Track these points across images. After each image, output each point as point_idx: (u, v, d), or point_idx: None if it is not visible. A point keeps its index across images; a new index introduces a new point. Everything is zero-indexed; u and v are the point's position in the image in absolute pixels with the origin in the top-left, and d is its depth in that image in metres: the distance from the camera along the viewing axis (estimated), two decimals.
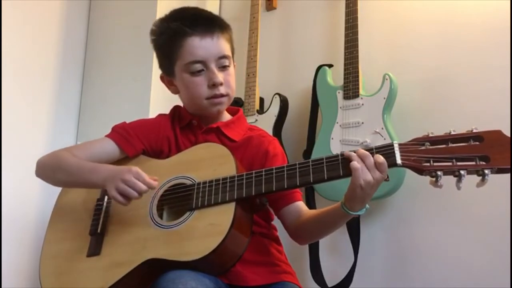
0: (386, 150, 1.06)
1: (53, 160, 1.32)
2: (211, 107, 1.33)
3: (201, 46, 1.29)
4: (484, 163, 0.99)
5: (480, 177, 0.98)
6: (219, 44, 1.31)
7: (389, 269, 2.04)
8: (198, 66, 1.29)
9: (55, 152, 1.35)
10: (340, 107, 2.07)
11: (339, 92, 2.09)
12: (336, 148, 2.04)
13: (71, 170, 1.28)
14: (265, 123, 2.25)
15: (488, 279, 1.81)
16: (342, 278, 2.01)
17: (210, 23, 1.31)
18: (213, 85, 1.30)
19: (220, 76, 1.30)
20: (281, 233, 1.35)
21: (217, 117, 1.39)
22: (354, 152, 1.07)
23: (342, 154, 1.09)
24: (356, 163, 1.05)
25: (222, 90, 1.31)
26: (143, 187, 1.16)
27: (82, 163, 1.28)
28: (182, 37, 1.29)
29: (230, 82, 1.33)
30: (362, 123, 2.00)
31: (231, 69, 1.35)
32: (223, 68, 1.32)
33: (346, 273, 2.01)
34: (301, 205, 1.29)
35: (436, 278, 1.92)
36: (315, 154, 2.09)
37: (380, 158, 1.05)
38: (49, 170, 1.32)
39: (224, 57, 1.32)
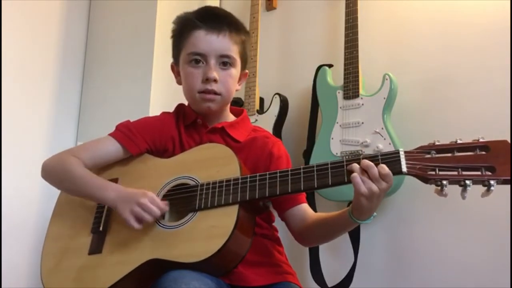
0: (392, 158, 1.05)
1: (60, 168, 1.31)
2: (201, 102, 1.32)
3: (205, 40, 1.30)
4: (490, 173, 0.97)
5: (485, 188, 0.97)
6: (224, 42, 1.31)
7: (389, 269, 2.04)
8: (198, 58, 1.31)
9: (61, 157, 1.33)
10: (340, 107, 2.07)
11: (339, 92, 2.10)
12: (336, 148, 2.04)
13: (78, 183, 1.27)
14: (265, 123, 2.25)
15: (488, 279, 1.82)
16: (342, 278, 2.02)
17: (219, 20, 1.32)
18: (206, 79, 1.30)
19: (216, 73, 1.30)
20: (282, 233, 1.35)
21: (222, 117, 1.39)
22: (359, 161, 1.07)
23: (347, 160, 1.08)
24: (354, 171, 1.05)
25: (214, 86, 1.30)
26: (158, 212, 1.16)
27: (90, 178, 1.27)
28: (191, 28, 1.32)
29: (228, 82, 1.32)
30: (362, 123, 2.01)
31: (233, 71, 1.34)
32: (224, 67, 1.32)
33: (346, 273, 2.01)
34: (306, 207, 1.29)
35: (436, 278, 1.92)
36: (315, 154, 2.09)
37: (385, 169, 1.03)
38: (56, 178, 1.32)
39: (227, 56, 1.31)
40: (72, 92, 2.58)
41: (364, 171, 1.05)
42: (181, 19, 1.37)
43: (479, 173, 0.98)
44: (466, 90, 1.98)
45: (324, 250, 2.14)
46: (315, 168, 1.10)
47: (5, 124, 2.24)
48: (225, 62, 1.32)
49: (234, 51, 1.33)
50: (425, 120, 2.04)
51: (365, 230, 2.06)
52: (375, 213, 1.13)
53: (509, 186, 1.70)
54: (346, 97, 2.07)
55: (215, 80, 1.30)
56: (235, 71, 1.35)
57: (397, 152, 1.05)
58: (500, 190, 1.74)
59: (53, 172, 1.32)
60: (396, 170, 1.04)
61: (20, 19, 2.36)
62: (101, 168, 1.34)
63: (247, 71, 1.44)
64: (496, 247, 1.82)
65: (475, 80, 1.97)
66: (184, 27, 1.34)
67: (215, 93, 1.31)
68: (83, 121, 2.57)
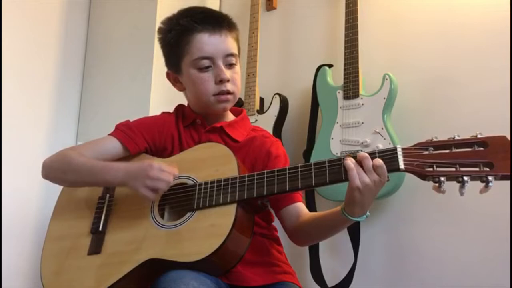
0: (389, 155, 1.04)
1: (61, 160, 1.31)
2: (217, 104, 1.33)
3: (210, 42, 1.30)
4: (488, 169, 0.97)
5: (484, 184, 0.97)
6: (227, 42, 1.32)
7: (389, 269, 2.04)
8: (206, 62, 1.30)
9: (61, 152, 1.33)
10: (340, 107, 2.07)
11: (339, 92, 2.09)
12: (336, 148, 2.04)
13: (82, 170, 1.27)
14: (265, 123, 2.25)
15: (488, 279, 1.81)
16: (342, 278, 2.01)
17: (219, 21, 1.33)
18: (220, 81, 1.30)
19: (227, 73, 1.30)
20: (281, 233, 1.35)
21: (221, 117, 1.39)
22: (355, 155, 1.07)
23: (344, 158, 1.08)
24: (350, 164, 1.05)
25: (228, 87, 1.31)
26: (170, 177, 1.17)
27: (93, 162, 1.27)
28: (191, 33, 1.30)
29: (237, 80, 1.34)
30: (362, 123, 2.00)
31: (238, 68, 1.35)
32: (230, 66, 1.33)
33: (346, 273, 2.01)
34: (301, 206, 1.28)
35: (435, 278, 1.92)
36: (315, 154, 2.09)
37: (378, 161, 1.03)
38: (59, 171, 1.31)
39: (232, 55, 1.33)
40: (72, 92, 2.58)
41: (360, 163, 1.05)
42: (174, 25, 1.33)
43: (477, 169, 0.98)
44: (466, 90, 1.98)
45: (324, 250, 2.14)
46: (312, 166, 1.10)
47: (5, 124, 2.24)
48: (230, 60, 1.33)
49: (235, 49, 1.35)
50: (425, 120, 2.04)
51: (365, 230, 2.06)
52: (368, 213, 1.12)
53: (509, 186, 1.71)
54: (346, 97, 2.06)
55: (227, 80, 1.31)
56: (239, 68, 1.36)
57: (394, 149, 1.04)
58: (500, 190, 1.74)
59: (54, 167, 1.32)
60: (393, 167, 1.03)
61: (20, 19, 2.36)
62: None
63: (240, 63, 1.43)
64: (496, 247, 1.82)
65: (475, 80, 1.97)
66: (183, 32, 1.31)
67: (229, 92, 1.32)
68: (83, 121, 2.57)
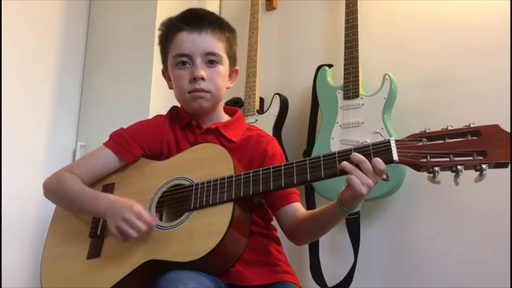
0: (383, 147, 1.05)
1: (56, 184, 1.34)
2: (192, 101, 1.33)
3: (188, 40, 1.31)
4: (481, 158, 0.98)
5: (478, 172, 0.97)
6: (207, 40, 1.32)
7: (389, 269, 2.04)
8: (184, 59, 1.32)
9: (57, 175, 1.36)
10: (340, 107, 2.07)
11: (339, 92, 2.09)
12: (336, 148, 2.02)
13: (73, 199, 1.30)
14: (265, 123, 2.25)
15: (488, 279, 1.81)
16: (342, 278, 2.01)
17: (199, 20, 1.33)
18: (194, 79, 1.30)
19: (203, 72, 1.30)
20: (281, 233, 1.35)
21: (216, 117, 1.39)
22: (350, 153, 1.06)
23: (339, 152, 1.08)
24: (352, 177, 1.04)
25: (202, 85, 1.31)
26: (143, 227, 1.14)
27: (83, 191, 1.28)
28: (174, 31, 1.34)
29: (216, 79, 1.33)
30: (362, 123, 2.00)
31: (220, 68, 1.34)
32: (210, 65, 1.33)
33: (346, 273, 2.01)
34: (298, 206, 1.29)
35: (436, 278, 1.92)
36: (315, 154, 2.08)
37: (380, 163, 1.03)
38: (54, 195, 1.35)
39: (212, 53, 1.32)
40: (72, 92, 2.58)
41: (357, 166, 1.05)
42: (165, 25, 1.39)
43: (470, 158, 0.98)
44: (466, 90, 1.98)
45: (324, 250, 2.14)
46: (307, 162, 1.11)
47: (5, 124, 2.24)
48: (211, 59, 1.33)
49: (219, 48, 1.33)
50: (425, 120, 2.03)
51: (365, 230, 2.06)
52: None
53: (509, 185, 1.71)
54: (346, 97, 2.06)
55: (202, 78, 1.30)
56: (223, 68, 1.35)
57: (387, 142, 1.05)
58: (499, 189, 1.75)
59: (52, 190, 1.35)
60: (387, 159, 1.04)
61: (20, 19, 2.37)
62: None
63: (237, 68, 1.44)
64: (496, 247, 1.82)
65: (475, 80, 1.97)
66: (168, 32, 1.36)
67: (203, 90, 1.31)
68: (83, 121, 2.57)
